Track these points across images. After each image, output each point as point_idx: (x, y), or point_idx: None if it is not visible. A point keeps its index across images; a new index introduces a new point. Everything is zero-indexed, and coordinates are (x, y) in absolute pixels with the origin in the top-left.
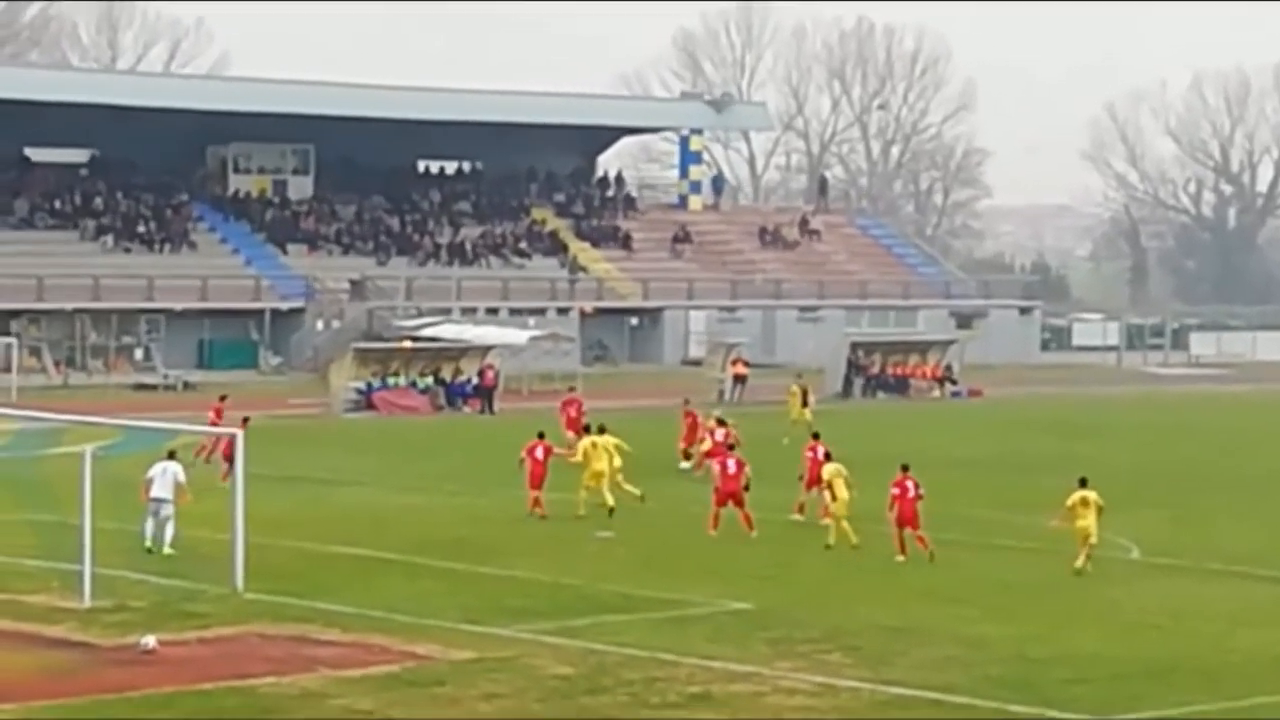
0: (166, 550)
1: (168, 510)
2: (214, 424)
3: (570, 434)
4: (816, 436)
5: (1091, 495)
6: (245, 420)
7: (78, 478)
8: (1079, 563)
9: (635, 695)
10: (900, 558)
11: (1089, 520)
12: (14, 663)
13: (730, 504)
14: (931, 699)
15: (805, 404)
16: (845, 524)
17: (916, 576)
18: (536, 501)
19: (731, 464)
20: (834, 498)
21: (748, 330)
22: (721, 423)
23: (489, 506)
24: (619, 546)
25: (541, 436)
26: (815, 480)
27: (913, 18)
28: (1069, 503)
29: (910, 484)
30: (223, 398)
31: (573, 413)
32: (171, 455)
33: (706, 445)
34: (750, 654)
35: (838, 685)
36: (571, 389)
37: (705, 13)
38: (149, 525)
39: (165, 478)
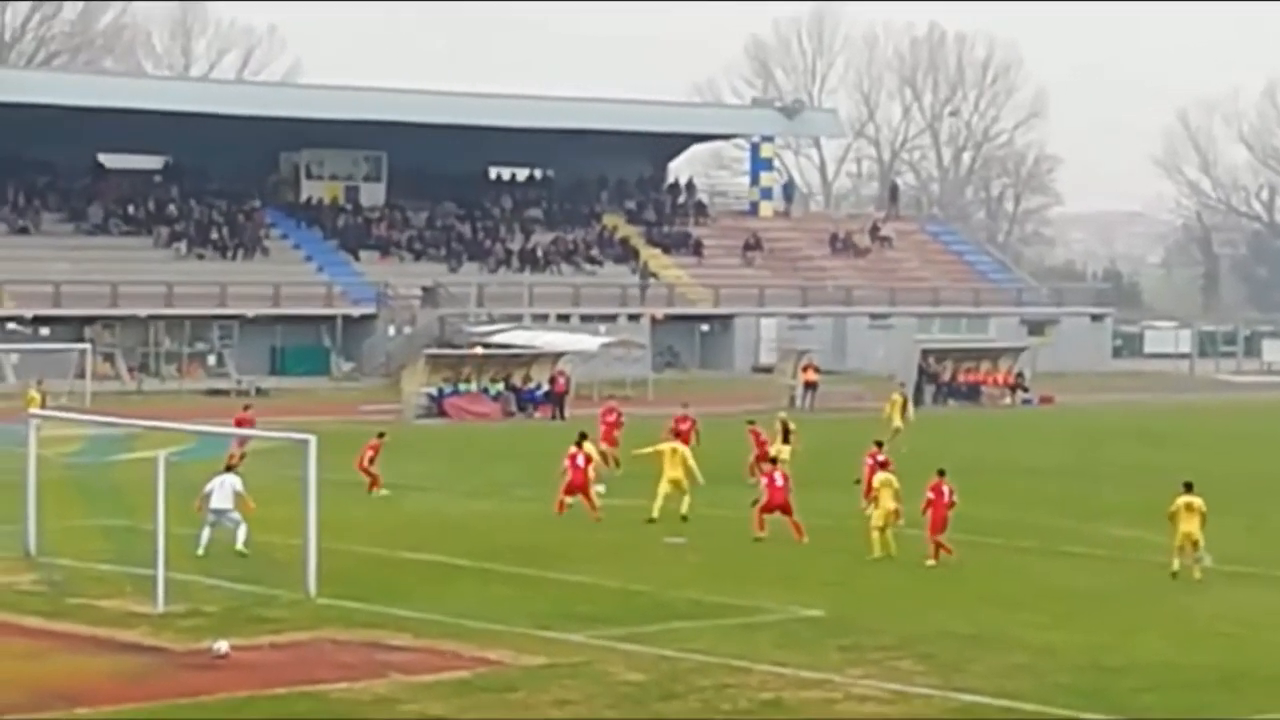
0: (239, 548)
1: (233, 515)
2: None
3: (605, 445)
4: (880, 445)
5: (1196, 501)
6: (381, 435)
7: (151, 483)
8: (1175, 565)
9: (707, 702)
10: (931, 562)
11: (1193, 525)
12: (88, 667)
13: (778, 513)
14: (1002, 706)
15: (905, 413)
16: (884, 534)
17: (987, 584)
18: (562, 505)
19: (779, 476)
20: (876, 506)
21: (818, 337)
22: (751, 422)
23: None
24: (689, 553)
25: (581, 441)
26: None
27: (984, 25)
28: (1172, 508)
29: (946, 489)
30: (246, 407)
31: (611, 420)
32: (229, 469)
33: (776, 449)
34: (821, 661)
35: (909, 692)
36: (610, 397)
37: (777, 20)
38: (205, 534)
39: (224, 489)
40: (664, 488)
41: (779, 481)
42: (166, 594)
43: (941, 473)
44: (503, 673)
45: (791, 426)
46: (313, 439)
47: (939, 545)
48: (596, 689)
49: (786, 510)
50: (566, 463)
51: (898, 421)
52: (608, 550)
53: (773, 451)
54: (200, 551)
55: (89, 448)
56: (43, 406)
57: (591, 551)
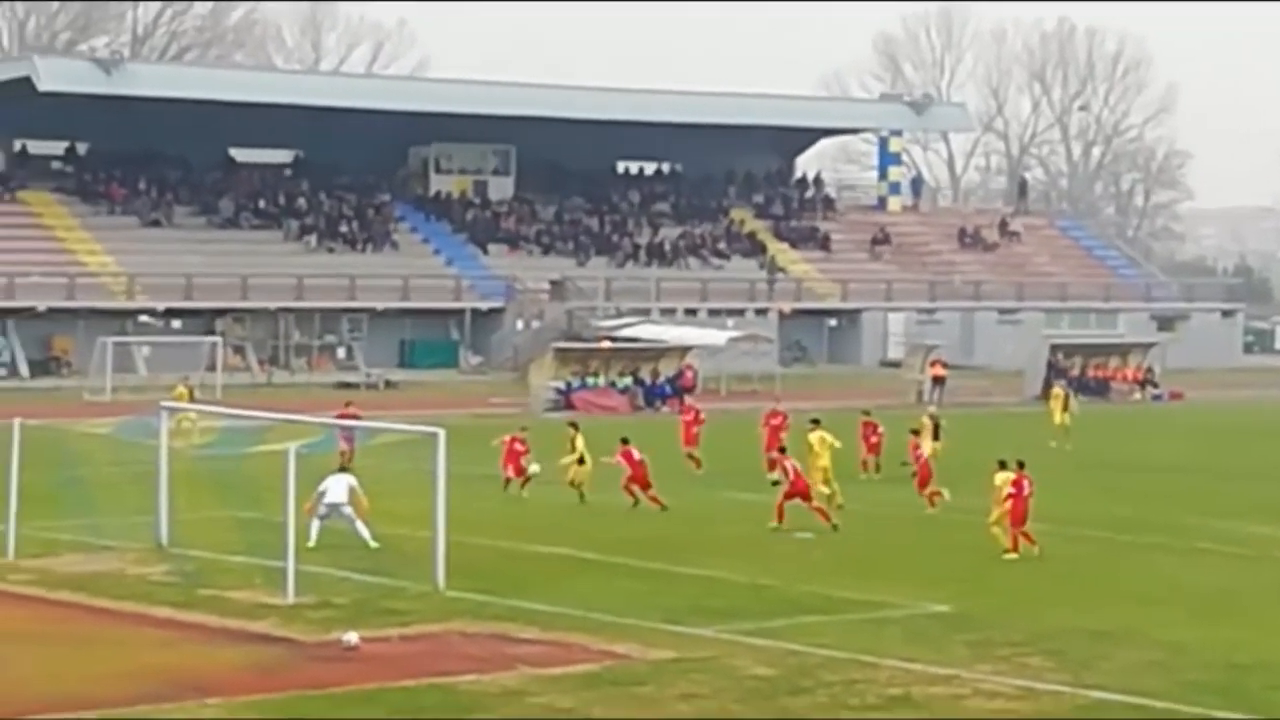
0: (372, 545)
1: (347, 510)
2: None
3: (772, 452)
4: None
5: None
6: (524, 429)
7: (281, 475)
8: None
9: (835, 697)
10: (1012, 555)
11: None
12: (218, 658)
13: (799, 500)
14: (1133, 704)
15: (1066, 408)
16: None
17: (1117, 580)
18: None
19: (642, 455)
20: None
21: (946, 332)
22: (867, 413)
23: (687, 506)
24: (817, 548)
25: (626, 441)
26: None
27: (1115, 19)
28: None
29: (1026, 482)
30: (347, 404)
31: (776, 422)
32: (342, 469)
33: (927, 447)
34: (949, 656)
35: (1038, 689)
36: (777, 399)
37: (905, 15)
38: (316, 526)
39: (339, 486)
40: (817, 477)
41: (638, 457)
42: (296, 585)
43: (1021, 465)
44: (630, 666)
45: (942, 423)
46: (441, 432)
47: (1024, 536)
48: (724, 683)
49: (806, 497)
50: (621, 459)
51: (1060, 418)
52: (735, 544)
53: (925, 451)
54: (311, 544)
55: (220, 440)
56: (191, 401)
57: (719, 546)
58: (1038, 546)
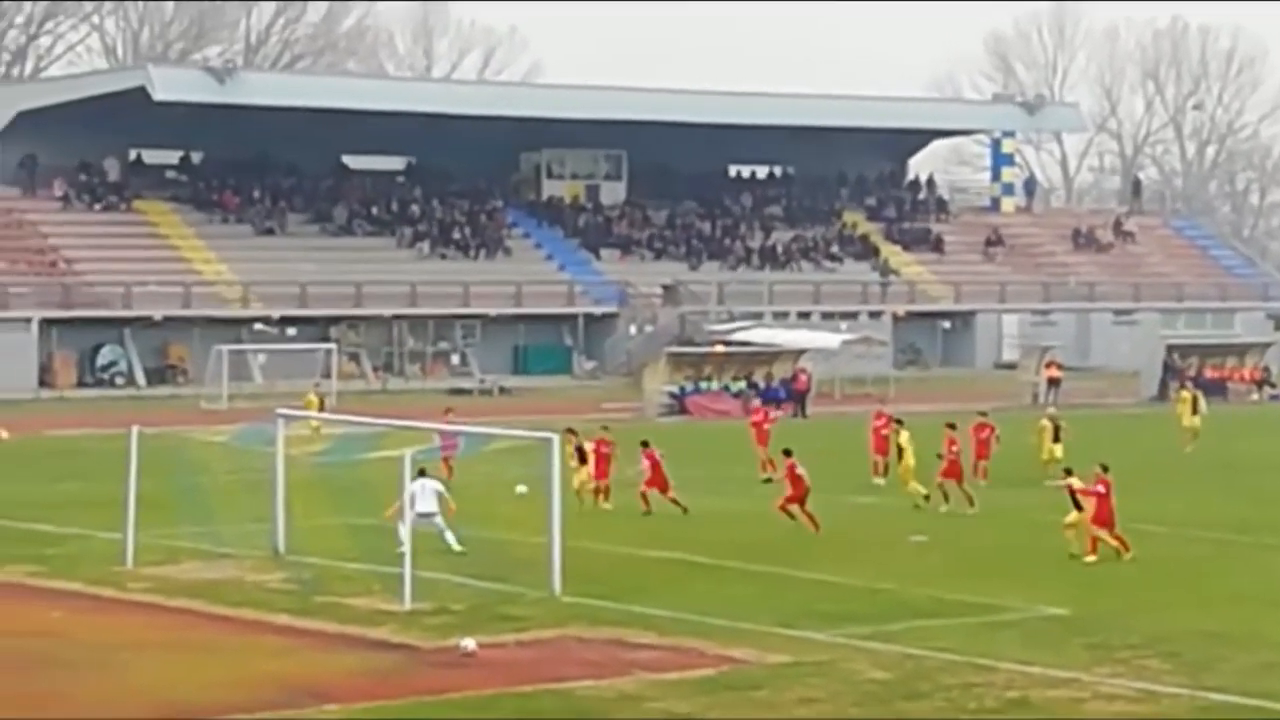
0: (457, 549)
1: (439, 520)
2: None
3: (879, 457)
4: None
5: None
6: (644, 445)
7: (397, 482)
8: None
9: (952, 700)
10: (1091, 557)
11: None
12: (337, 664)
13: (795, 505)
14: (1254, 705)
15: (1196, 411)
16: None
17: (1234, 582)
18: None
19: (803, 471)
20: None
21: (1061, 333)
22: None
23: None
24: (932, 551)
25: (646, 445)
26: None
27: (1228, 17)
28: None
29: (1105, 484)
30: (447, 410)
31: (879, 425)
32: (423, 473)
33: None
34: (1068, 659)
35: (1158, 691)
36: (882, 400)
37: (1017, 15)
38: (403, 530)
39: (426, 493)
40: (903, 473)
41: (800, 472)
42: (414, 592)
43: (1105, 468)
44: (747, 671)
45: (1062, 424)
46: (555, 438)
47: (1116, 539)
48: (841, 687)
49: (802, 503)
50: (646, 464)
51: (1189, 420)
52: (851, 548)
53: (1044, 455)
54: (403, 549)
55: (336, 447)
56: (321, 409)
57: (835, 549)
58: (1130, 551)
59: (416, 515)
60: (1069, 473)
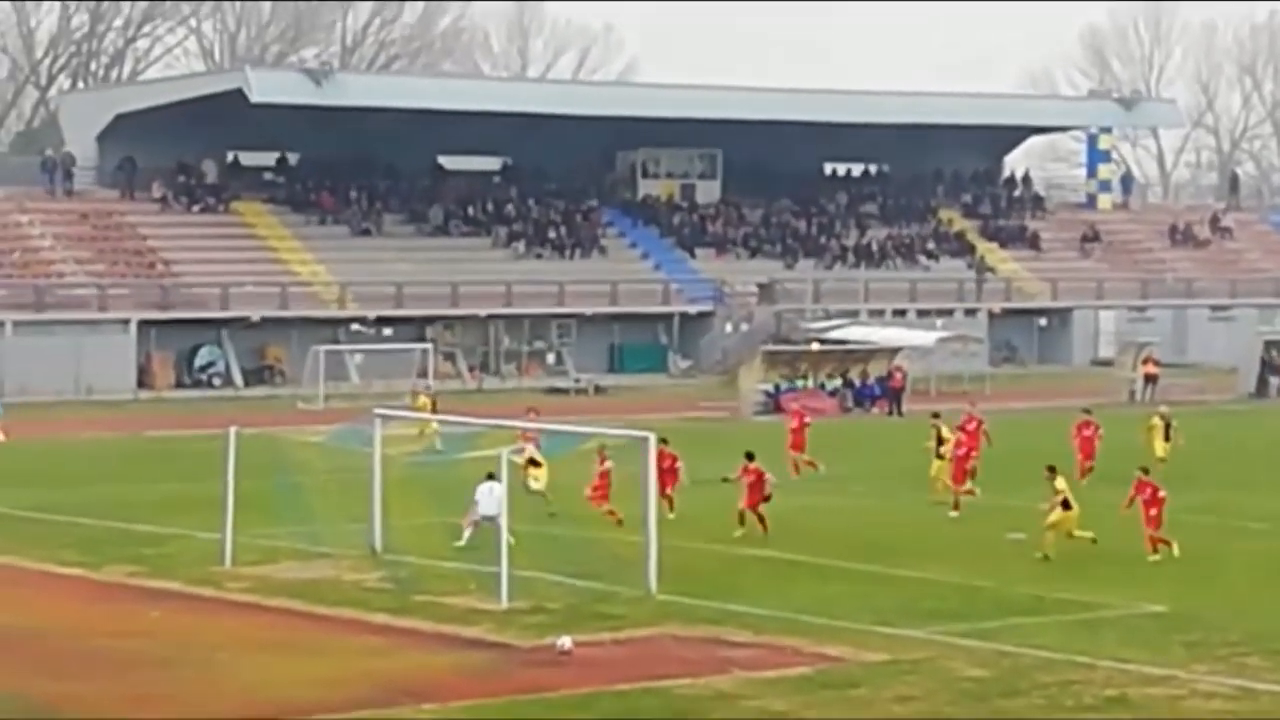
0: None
1: (501, 524)
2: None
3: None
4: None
5: None
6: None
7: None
8: None
9: (1050, 698)
10: (1154, 557)
11: None
12: (434, 663)
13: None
14: None
15: None
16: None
17: None
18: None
19: (770, 477)
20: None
21: (1158, 330)
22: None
23: (897, 508)
24: (1030, 548)
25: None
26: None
27: None
28: None
29: (1151, 488)
30: (529, 409)
31: (1088, 434)
32: (490, 476)
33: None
34: (1166, 657)
35: (1257, 689)
36: (972, 403)
37: (1113, 10)
38: (468, 532)
39: (491, 497)
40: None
41: (769, 479)
42: (510, 591)
43: (1145, 471)
44: (844, 669)
45: (1174, 423)
46: (651, 436)
47: (1159, 540)
48: (938, 685)
49: (755, 508)
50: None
51: None
52: (948, 546)
53: (1157, 452)
54: (460, 543)
55: (432, 446)
56: (434, 410)
57: (931, 547)
58: (1173, 545)
59: (481, 516)
60: (1145, 471)
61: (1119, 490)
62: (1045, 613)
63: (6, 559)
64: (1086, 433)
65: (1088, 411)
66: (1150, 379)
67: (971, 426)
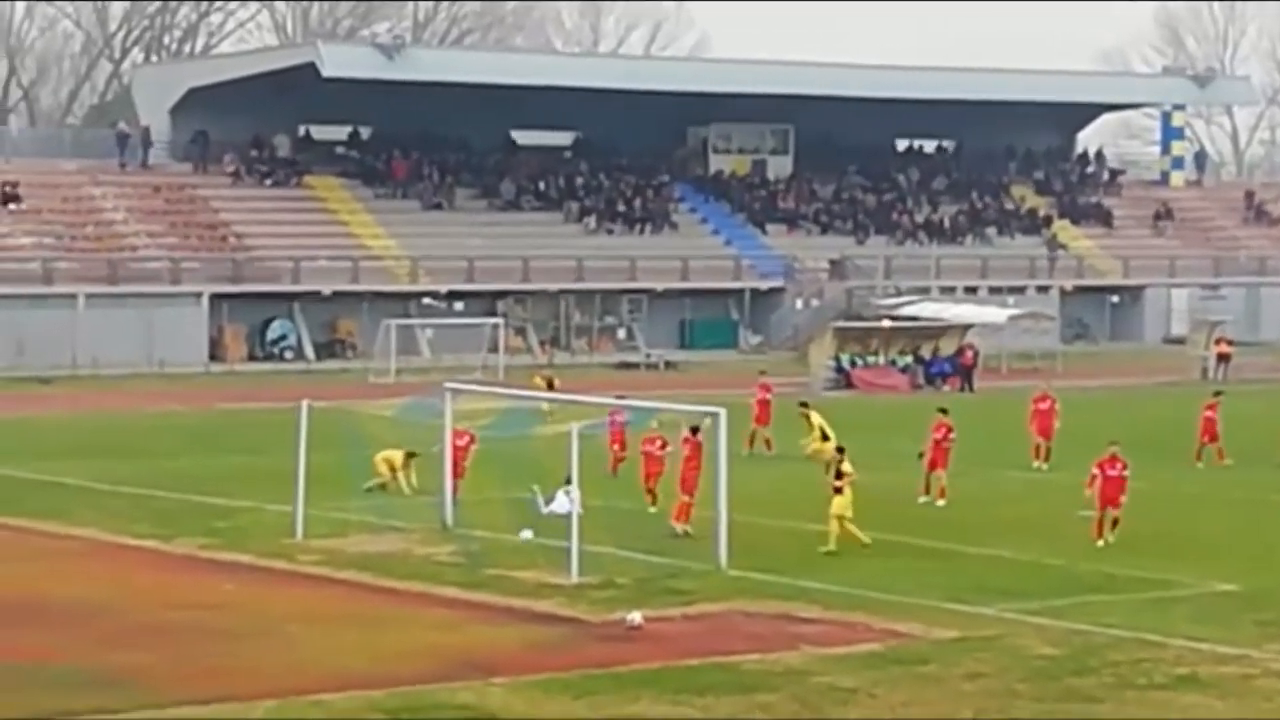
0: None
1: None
2: (760, 401)
3: (1040, 439)
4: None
5: None
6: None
7: (563, 456)
8: None
9: (1121, 676)
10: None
11: None
12: (504, 637)
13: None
14: None
15: None
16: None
17: None
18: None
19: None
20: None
21: (1231, 307)
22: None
23: (968, 486)
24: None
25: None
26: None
27: None
28: None
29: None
30: (762, 372)
31: (1044, 407)
32: (568, 481)
33: None
34: (1238, 635)
35: None
36: (1218, 394)
37: None
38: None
39: (567, 500)
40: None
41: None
42: (580, 565)
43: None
44: (914, 645)
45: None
46: (722, 412)
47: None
48: (1009, 662)
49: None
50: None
51: None
52: (1019, 523)
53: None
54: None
55: (503, 421)
56: (550, 388)
57: (1002, 525)
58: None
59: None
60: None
61: (1184, 468)
62: (1116, 590)
63: (80, 531)
64: (1210, 414)
65: (1219, 394)
66: (1223, 358)
67: (1045, 405)
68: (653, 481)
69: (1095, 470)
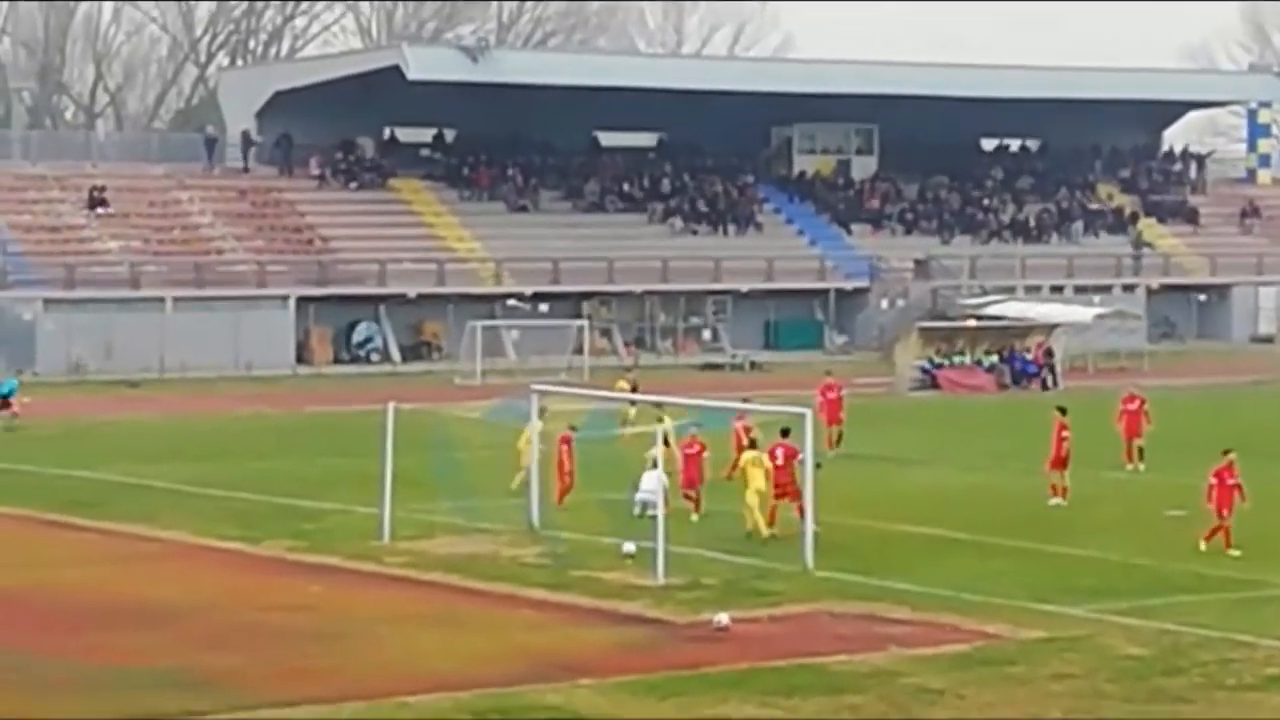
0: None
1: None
2: (822, 405)
3: (1131, 440)
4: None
5: None
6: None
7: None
8: None
9: (1210, 676)
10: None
11: None
12: (591, 638)
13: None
14: None
15: None
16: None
17: None
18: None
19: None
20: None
21: None
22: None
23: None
24: (1191, 525)
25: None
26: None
27: None
28: None
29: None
30: (828, 373)
31: (1133, 408)
32: (654, 464)
33: None
34: None
35: None
36: (1136, 384)
37: None
38: (642, 497)
39: (653, 479)
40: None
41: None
42: (667, 567)
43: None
44: (1001, 646)
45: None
46: (808, 413)
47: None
48: (1097, 662)
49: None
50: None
51: None
52: (1107, 523)
53: None
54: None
55: (588, 422)
56: (634, 390)
57: (1091, 525)
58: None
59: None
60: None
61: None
62: (1206, 591)
63: (168, 534)
64: None
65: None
66: None
67: (1134, 406)
68: (694, 489)
69: (1213, 479)
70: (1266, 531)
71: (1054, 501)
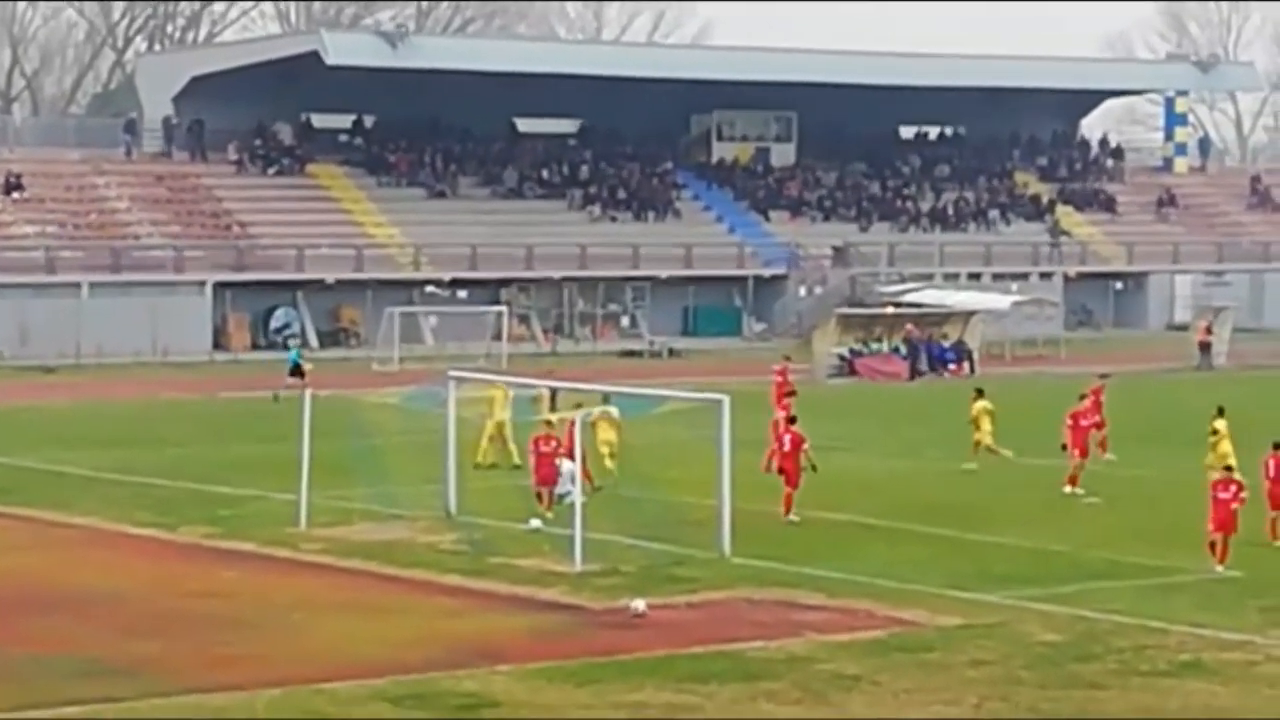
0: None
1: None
2: (779, 387)
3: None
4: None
5: None
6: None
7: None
8: None
9: (1124, 662)
10: None
11: None
12: (508, 625)
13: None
14: None
15: None
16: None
17: None
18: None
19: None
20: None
21: (1235, 294)
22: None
23: (971, 473)
24: (1105, 513)
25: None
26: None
27: None
28: None
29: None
30: (786, 358)
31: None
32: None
33: None
34: (1242, 622)
35: None
36: (1103, 377)
37: None
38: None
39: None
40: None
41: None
42: (584, 553)
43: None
44: (918, 633)
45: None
46: (726, 399)
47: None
48: (1012, 649)
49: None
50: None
51: None
52: (1023, 511)
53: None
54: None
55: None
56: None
57: (1006, 512)
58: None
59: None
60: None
61: (1188, 453)
62: (1119, 577)
63: (83, 520)
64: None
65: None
66: (1204, 346)
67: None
68: (546, 486)
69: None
70: (1179, 518)
71: (1090, 500)
